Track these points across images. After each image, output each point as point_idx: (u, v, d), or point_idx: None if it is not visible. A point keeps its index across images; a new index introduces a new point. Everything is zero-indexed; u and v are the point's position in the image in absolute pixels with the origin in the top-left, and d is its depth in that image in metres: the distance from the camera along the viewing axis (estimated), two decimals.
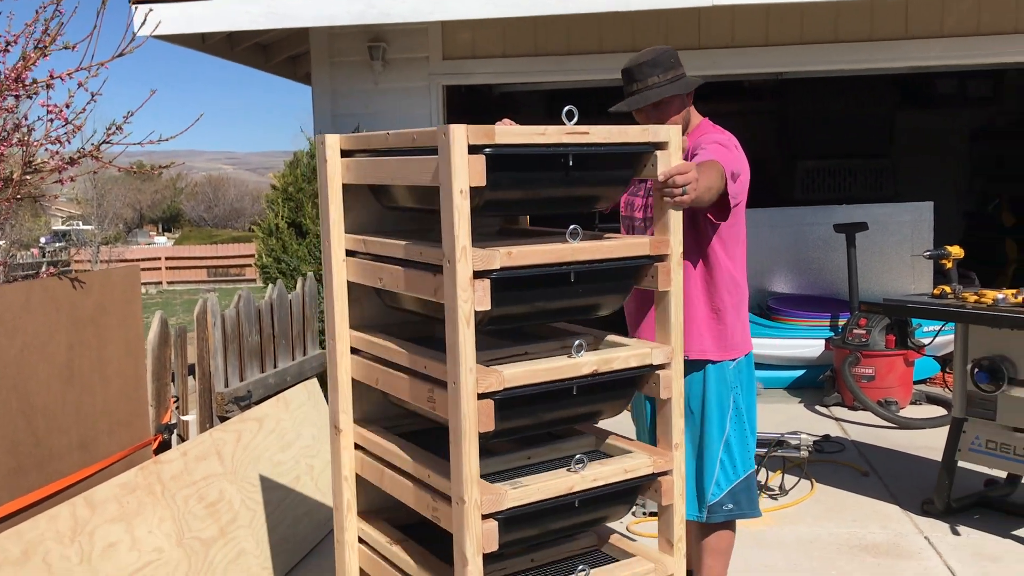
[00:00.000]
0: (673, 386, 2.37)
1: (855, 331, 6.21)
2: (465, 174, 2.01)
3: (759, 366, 6.79)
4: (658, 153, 2.31)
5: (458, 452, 2.09)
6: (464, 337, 2.05)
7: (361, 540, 2.64)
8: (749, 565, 3.77)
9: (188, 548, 3.29)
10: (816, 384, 6.68)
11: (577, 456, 2.27)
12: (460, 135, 1.98)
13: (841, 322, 6.63)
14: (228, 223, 41.10)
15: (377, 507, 2.72)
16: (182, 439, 3.73)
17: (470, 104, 8.65)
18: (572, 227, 2.23)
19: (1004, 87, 10.48)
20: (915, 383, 6.40)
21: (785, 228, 7.40)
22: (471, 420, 2.08)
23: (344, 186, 2.51)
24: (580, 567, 2.32)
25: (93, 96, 2.82)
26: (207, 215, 42.77)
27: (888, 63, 6.41)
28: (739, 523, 3.17)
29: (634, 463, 2.34)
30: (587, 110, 10.53)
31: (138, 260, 22.74)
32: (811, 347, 6.75)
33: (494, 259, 2.06)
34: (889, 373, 6.13)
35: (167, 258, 25.01)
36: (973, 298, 4.11)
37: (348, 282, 2.56)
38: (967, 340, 4.10)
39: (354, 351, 2.58)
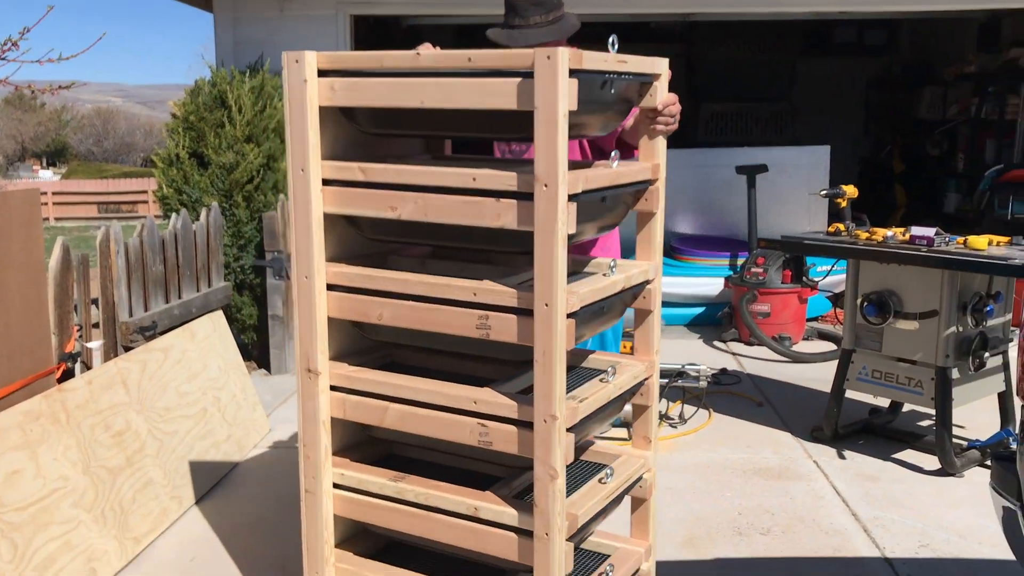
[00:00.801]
0: (657, 299, 2.58)
1: (753, 270, 6.44)
2: (567, 98, 2.01)
3: (662, 304, 6.98)
4: (656, 83, 2.41)
5: (549, 372, 2.11)
6: (560, 259, 2.07)
7: (336, 485, 2.49)
8: None
9: (95, 476, 3.25)
10: (715, 321, 6.91)
11: (608, 368, 2.44)
12: (565, 59, 1.99)
13: (740, 261, 6.85)
14: (119, 158, 39.48)
15: (341, 448, 2.59)
16: (87, 368, 3.65)
17: (376, 36, 8.49)
18: (614, 152, 2.38)
19: (899, 37, 10.83)
20: (808, 320, 6.70)
21: (689, 170, 7.56)
22: (563, 339, 2.11)
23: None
24: (605, 469, 2.48)
25: None
26: (96, 149, 40.95)
27: (790, 8, 6.56)
28: None
29: (637, 370, 2.53)
30: (495, 46, 10.41)
31: None
32: (711, 285, 6.98)
33: (578, 183, 2.13)
34: (784, 310, 6.39)
35: (54, 193, 23.88)
36: (864, 236, 4.31)
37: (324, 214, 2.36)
38: (858, 276, 4.31)
39: (329, 287, 2.42)
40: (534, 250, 2.10)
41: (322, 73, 2.29)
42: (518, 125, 2.11)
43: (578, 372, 2.54)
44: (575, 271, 2.52)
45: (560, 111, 2.01)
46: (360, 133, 2.49)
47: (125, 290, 3.87)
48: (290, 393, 5.28)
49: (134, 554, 3.31)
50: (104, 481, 3.29)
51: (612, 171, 2.33)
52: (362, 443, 2.65)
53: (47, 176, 32.91)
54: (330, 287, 2.41)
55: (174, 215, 4.40)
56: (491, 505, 2.30)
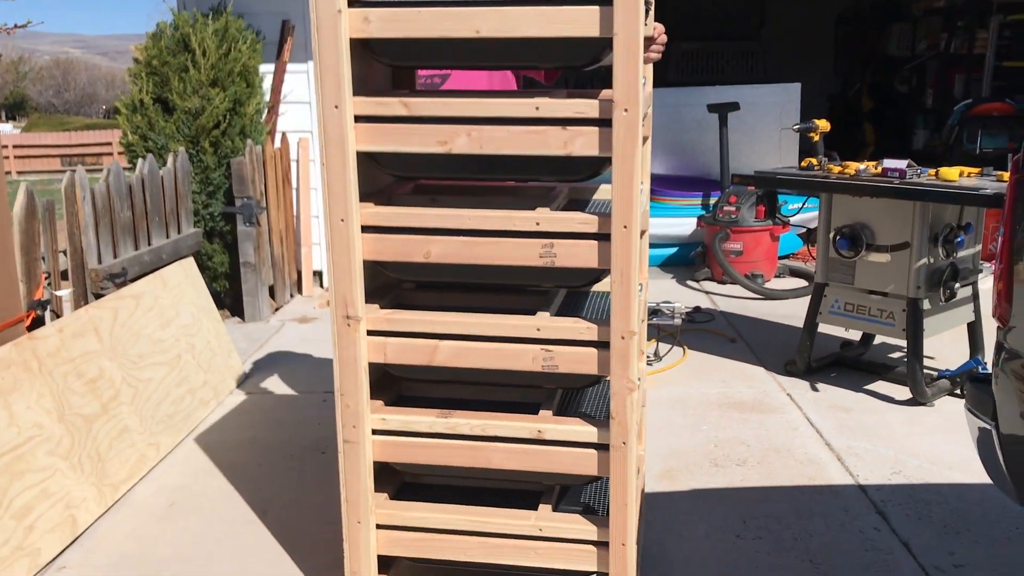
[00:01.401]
0: (647, 217, 2.72)
1: (725, 208, 6.45)
2: (643, 25, 2.05)
3: (662, 244, 7.00)
4: (650, 10, 2.44)
5: (627, 292, 2.18)
6: (639, 174, 2.13)
7: (376, 432, 2.43)
8: None
9: (70, 424, 3.23)
10: (688, 260, 6.94)
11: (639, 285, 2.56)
12: None
13: (712, 201, 6.86)
14: (81, 109, 38.70)
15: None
16: (56, 316, 3.60)
17: None
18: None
19: None
20: (780, 258, 6.74)
21: (660, 110, 7.50)
22: (639, 259, 2.22)
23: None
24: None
25: None
26: (56, 101, 40.09)
27: None
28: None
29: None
30: None
31: None
32: (684, 225, 6.99)
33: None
34: (756, 248, 6.42)
35: (15, 146, 23.40)
36: (837, 169, 4.32)
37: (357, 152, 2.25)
38: (831, 210, 4.32)
39: (364, 229, 2.32)
40: (613, 174, 2.13)
41: (352, 3, 2.17)
42: (575, 54, 2.14)
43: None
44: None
45: (640, 37, 2.03)
46: (377, 72, 2.43)
47: (93, 236, 3.80)
48: (264, 340, 5.26)
49: (113, 500, 3.30)
50: (80, 429, 3.27)
51: (647, 93, 2.35)
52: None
53: (7, 129, 32.21)
54: (365, 229, 2.31)
55: (140, 160, 4.31)
56: (555, 425, 2.35)
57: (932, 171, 4.07)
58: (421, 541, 2.48)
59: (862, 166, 4.25)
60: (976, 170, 4.13)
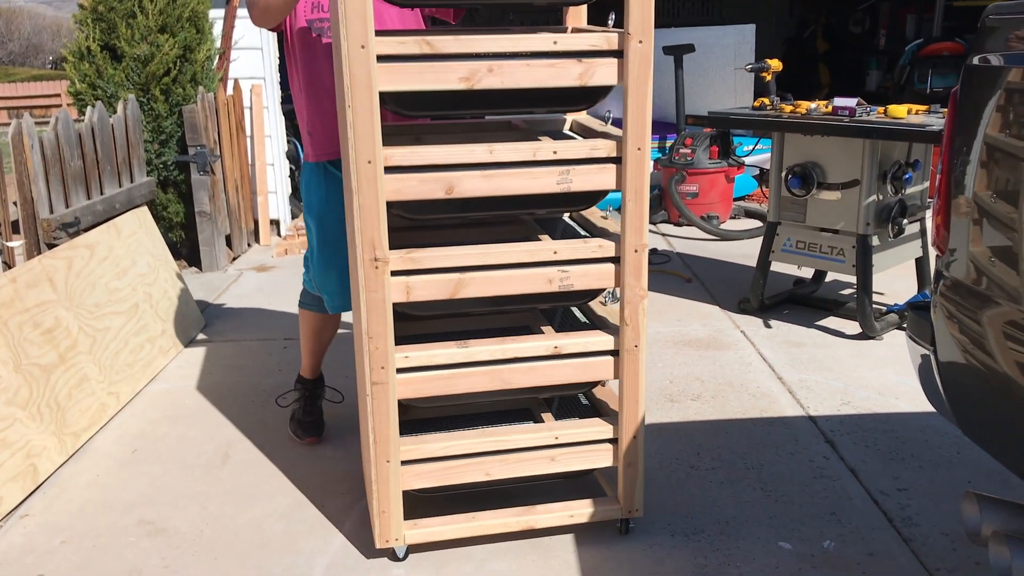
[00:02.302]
0: None
1: (681, 151, 6.49)
2: None
3: None
4: None
5: (640, 207, 2.45)
6: (650, 100, 2.39)
7: (400, 370, 2.46)
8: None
9: (27, 374, 3.22)
10: None
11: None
12: None
13: (668, 143, 6.90)
14: (26, 60, 37.58)
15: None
16: (8, 267, 3.56)
17: None
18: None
19: None
20: (735, 199, 6.81)
21: None
22: (648, 178, 2.46)
23: None
24: (607, 292, 2.70)
25: None
26: (0, 52, 38.91)
27: None
28: None
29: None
30: None
31: None
32: None
33: None
34: (712, 190, 6.49)
35: None
36: (789, 109, 4.37)
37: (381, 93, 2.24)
38: (783, 149, 4.38)
39: (388, 170, 2.32)
40: (628, 101, 2.35)
41: None
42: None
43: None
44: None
45: None
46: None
47: (43, 186, 3.75)
48: (223, 289, 5.24)
49: (74, 449, 3.30)
50: (38, 379, 3.26)
51: None
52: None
53: None
54: (388, 170, 2.30)
55: (89, 108, 4.24)
56: (573, 339, 2.56)
57: (881, 109, 4.14)
58: (445, 470, 2.57)
59: (813, 105, 4.30)
60: (924, 108, 4.20)
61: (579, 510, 2.70)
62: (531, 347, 2.53)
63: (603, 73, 2.35)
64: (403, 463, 2.53)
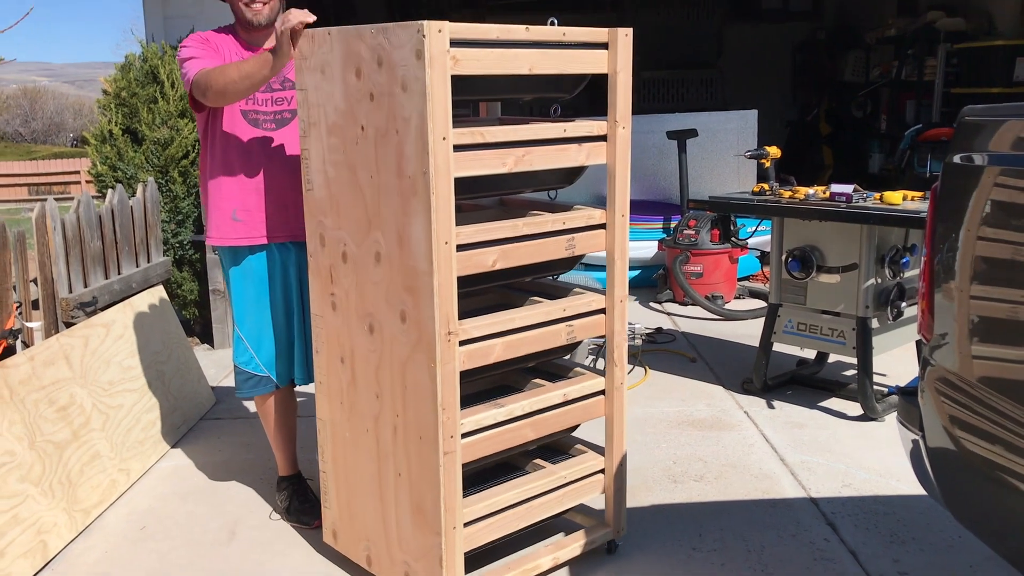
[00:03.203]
0: None
1: (685, 232, 6.62)
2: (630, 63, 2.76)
3: (596, 267, 7.14)
4: None
5: (623, 266, 2.94)
6: (628, 173, 2.84)
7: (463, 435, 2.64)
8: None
9: (41, 451, 3.29)
10: (650, 283, 7.09)
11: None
12: (630, 35, 2.76)
13: (673, 224, 7.03)
14: (48, 138, 38.43)
15: None
16: (27, 345, 3.66)
17: (306, 4, 8.46)
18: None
19: (823, 3, 11.09)
20: (739, 279, 6.91)
21: None
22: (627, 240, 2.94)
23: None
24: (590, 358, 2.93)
25: None
26: (24, 130, 39.79)
27: None
28: None
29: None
30: (429, 16, 10.42)
31: None
32: (646, 248, 7.14)
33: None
34: (715, 270, 6.59)
35: None
36: (787, 194, 4.49)
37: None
38: (782, 233, 4.49)
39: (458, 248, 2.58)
40: (614, 175, 2.80)
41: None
42: (572, 85, 2.83)
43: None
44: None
45: (629, 72, 2.76)
46: None
47: (64, 266, 3.87)
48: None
49: (84, 525, 3.36)
50: (51, 455, 3.33)
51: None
52: None
53: None
54: (458, 248, 2.54)
55: (110, 191, 4.39)
56: (576, 385, 2.94)
57: (877, 195, 4.25)
58: (488, 527, 2.77)
59: (811, 191, 4.42)
60: (919, 194, 4.31)
61: (585, 539, 3.06)
62: (549, 397, 2.86)
63: (596, 154, 2.79)
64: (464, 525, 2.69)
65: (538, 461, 3.07)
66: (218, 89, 2.88)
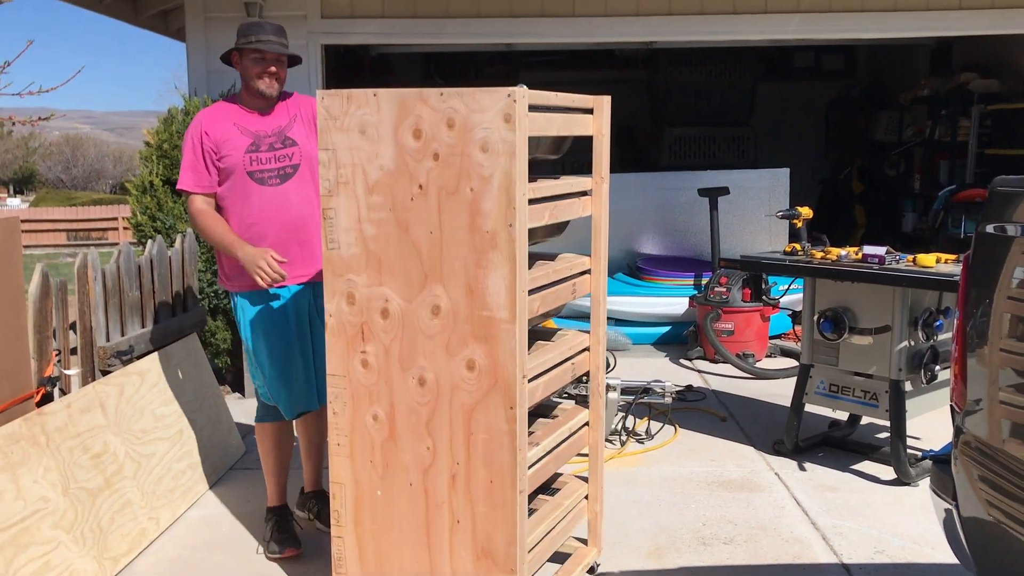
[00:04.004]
0: None
1: (716, 289, 6.61)
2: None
3: (627, 323, 7.15)
4: None
5: (604, 307, 3.28)
6: (607, 222, 3.21)
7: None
8: (619, 500, 4.05)
9: (74, 498, 3.32)
10: (681, 339, 7.07)
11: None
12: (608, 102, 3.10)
13: (704, 281, 7.03)
14: (88, 185, 39.26)
15: None
16: (64, 392, 3.73)
17: (346, 65, 8.64)
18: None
19: (856, 61, 11.13)
20: (770, 338, 6.87)
21: (653, 193, 7.75)
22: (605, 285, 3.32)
23: None
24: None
25: None
26: (65, 176, 40.72)
27: (749, 36, 6.77)
28: (611, 465, 4.01)
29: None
30: (463, 72, 10.58)
31: None
32: (676, 305, 7.14)
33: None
34: (747, 328, 6.56)
35: (24, 221, 23.69)
36: (819, 255, 4.49)
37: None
38: (814, 293, 4.48)
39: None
40: (598, 224, 3.16)
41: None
42: (563, 146, 3.12)
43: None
44: None
45: (608, 133, 3.13)
46: None
47: (102, 315, 3.94)
48: None
49: (113, 573, 3.37)
50: (83, 502, 3.37)
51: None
52: None
53: (15, 204, 32.62)
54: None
55: (150, 242, 4.49)
56: (574, 420, 3.23)
57: (910, 257, 4.24)
58: (532, 559, 2.91)
59: (843, 251, 4.41)
60: (952, 256, 4.29)
61: (583, 563, 3.28)
62: (564, 430, 3.11)
63: (587, 207, 3.14)
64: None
65: (541, 496, 3.25)
66: (198, 230, 3.52)
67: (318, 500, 3.83)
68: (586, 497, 3.32)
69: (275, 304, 3.52)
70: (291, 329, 3.53)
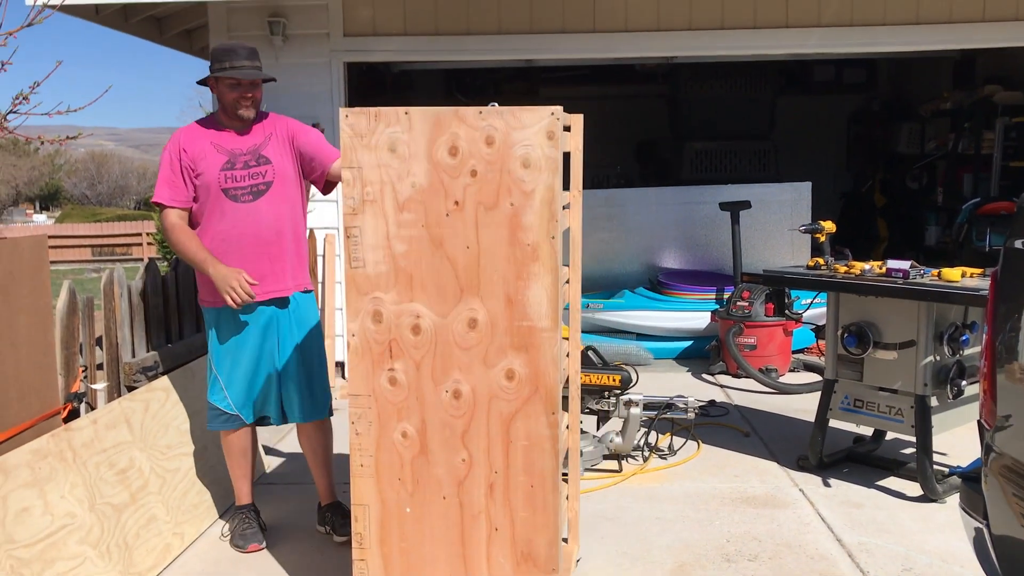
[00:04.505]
0: None
1: (739, 303, 6.58)
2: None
3: (649, 338, 7.14)
4: None
5: (579, 314, 3.66)
6: (580, 233, 3.28)
7: None
8: (642, 517, 4.04)
9: (100, 513, 3.35)
10: (703, 354, 7.04)
11: None
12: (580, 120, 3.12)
13: (726, 295, 7.00)
14: (113, 201, 39.67)
15: None
16: (91, 408, 3.76)
17: (367, 83, 8.69)
18: None
19: (877, 74, 11.09)
20: (793, 352, 6.83)
21: (674, 207, 7.74)
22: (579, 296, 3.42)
23: None
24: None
25: (3, 65, 2.83)
26: (90, 193, 41.19)
27: (771, 49, 6.76)
28: (634, 481, 4.12)
29: None
30: (483, 88, 10.60)
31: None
32: (698, 319, 7.11)
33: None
34: (770, 342, 6.53)
35: (50, 237, 23.94)
36: (843, 269, 4.46)
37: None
38: (838, 308, 4.45)
39: None
40: (574, 236, 3.17)
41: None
42: None
43: None
44: None
45: (582, 148, 3.11)
46: None
47: (128, 331, 3.98)
48: (287, 430, 5.37)
49: None
50: (109, 518, 3.39)
51: None
52: None
53: (41, 220, 33.02)
54: None
55: (175, 258, 4.53)
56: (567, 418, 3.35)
57: (935, 271, 4.20)
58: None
59: (867, 266, 4.39)
60: (978, 270, 4.25)
61: (572, 559, 3.36)
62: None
63: (566, 218, 3.13)
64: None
65: None
66: (171, 245, 3.59)
67: (334, 512, 3.86)
68: (567, 497, 3.34)
69: (243, 318, 3.64)
70: (258, 343, 3.66)
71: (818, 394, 4.64)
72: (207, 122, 3.69)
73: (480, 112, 2.69)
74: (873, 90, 11.16)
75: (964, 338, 4.20)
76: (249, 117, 3.60)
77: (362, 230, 2.81)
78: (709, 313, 7.06)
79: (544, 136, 2.68)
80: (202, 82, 3.69)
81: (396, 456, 2.86)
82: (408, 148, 2.71)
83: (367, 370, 2.85)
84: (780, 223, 7.49)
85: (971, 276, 4.17)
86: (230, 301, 3.40)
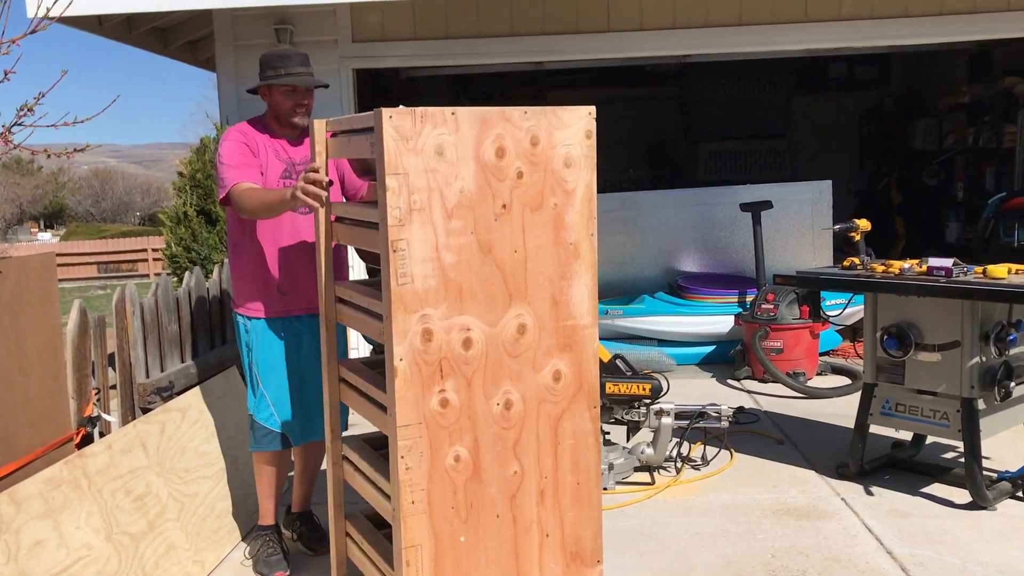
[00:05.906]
0: None
1: (764, 306, 6.42)
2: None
3: (670, 343, 6.97)
4: None
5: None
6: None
7: None
8: (679, 531, 3.87)
9: (117, 543, 3.19)
10: (726, 359, 6.87)
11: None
12: None
13: (749, 298, 6.83)
14: (117, 217, 39.64)
15: None
16: (103, 432, 3.60)
17: (374, 89, 8.57)
18: None
19: (890, 71, 10.95)
20: (820, 355, 6.66)
21: (690, 209, 7.57)
22: None
23: None
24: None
25: (6, 75, 2.68)
26: (94, 210, 41.16)
27: (789, 45, 6.62)
28: (667, 494, 3.99)
29: None
30: (490, 93, 10.55)
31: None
32: (721, 323, 6.94)
33: None
34: (797, 345, 6.36)
35: (56, 255, 23.87)
36: (881, 269, 4.30)
37: None
38: (876, 309, 4.28)
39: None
40: None
41: None
42: None
43: None
44: None
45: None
46: None
47: (141, 351, 3.83)
48: None
49: None
50: (127, 548, 3.23)
51: None
52: None
53: (45, 238, 32.96)
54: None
55: (188, 273, 4.38)
56: None
57: (979, 268, 4.04)
58: None
59: (906, 264, 4.22)
60: (1023, 267, 4.09)
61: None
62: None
63: None
64: None
65: None
66: (247, 211, 3.30)
67: (303, 522, 3.85)
68: None
69: (288, 332, 3.55)
70: (304, 358, 3.56)
71: (849, 398, 4.48)
72: (260, 126, 3.53)
73: (525, 112, 2.60)
74: (885, 86, 11.03)
75: (1011, 337, 4.04)
76: (303, 125, 3.49)
77: (410, 242, 2.53)
78: (732, 317, 6.89)
79: (583, 135, 2.68)
80: (252, 90, 3.54)
81: (449, 484, 2.62)
82: (456, 151, 2.53)
83: (417, 396, 2.58)
84: (800, 223, 7.32)
85: (1017, 272, 4.01)
86: (312, 201, 2.89)
